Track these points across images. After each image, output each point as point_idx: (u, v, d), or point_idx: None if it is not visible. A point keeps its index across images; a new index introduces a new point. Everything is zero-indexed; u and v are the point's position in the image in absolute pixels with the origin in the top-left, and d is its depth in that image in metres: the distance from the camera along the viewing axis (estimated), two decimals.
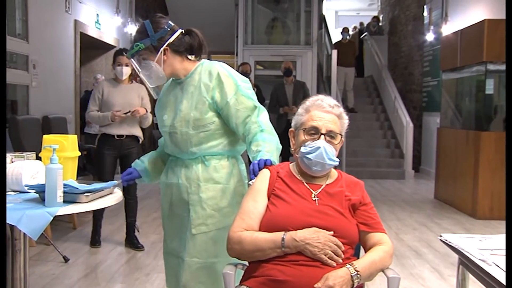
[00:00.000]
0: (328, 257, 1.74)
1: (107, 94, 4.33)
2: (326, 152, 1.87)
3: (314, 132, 1.92)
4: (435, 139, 7.68)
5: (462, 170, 6.38)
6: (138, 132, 4.44)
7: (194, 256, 2.18)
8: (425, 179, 9.13)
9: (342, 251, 1.77)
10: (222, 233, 2.12)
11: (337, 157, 1.91)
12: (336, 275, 1.69)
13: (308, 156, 1.88)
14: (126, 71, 4.35)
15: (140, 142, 4.50)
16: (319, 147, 1.87)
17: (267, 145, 2.06)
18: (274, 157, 2.05)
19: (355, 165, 8.87)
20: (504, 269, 1.51)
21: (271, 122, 2.20)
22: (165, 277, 2.44)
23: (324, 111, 1.94)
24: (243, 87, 2.19)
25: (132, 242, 4.48)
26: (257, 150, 2.05)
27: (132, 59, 2.25)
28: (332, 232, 1.78)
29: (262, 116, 2.17)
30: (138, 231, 4.77)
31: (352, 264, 1.74)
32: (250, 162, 2.06)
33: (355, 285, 1.72)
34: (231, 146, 2.27)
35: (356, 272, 1.72)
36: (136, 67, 2.25)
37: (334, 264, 1.74)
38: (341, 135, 1.95)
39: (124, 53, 4.26)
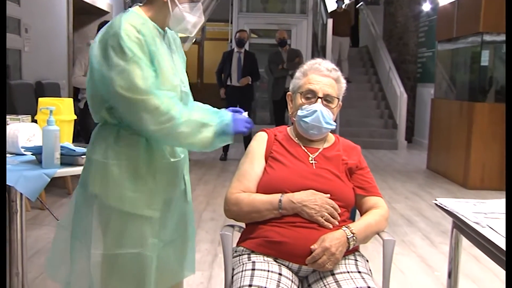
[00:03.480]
0: (324, 219, 1.76)
1: None
2: (322, 115, 1.87)
3: (311, 95, 1.91)
4: (429, 110, 7.70)
5: (455, 141, 6.42)
6: None
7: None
8: (418, 149, 9.18)
9: (338, 213, 1.79)
10: None
11: (334, 121, 1.92)
12: (333, 237, 1.71)
13: (305, 119, 1.88)
14: None
15: None
16: (315, 111, 1.87)
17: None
18: None
19: (348, 135, 8.81)
20: (499, 232, 1.54)
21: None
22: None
23: (321, 75, 1.93)
24: None
25: None
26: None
27: None
28: (328, 195, 1.80)
29: None
30: None
31: (348, 226, 1.76)
32: None
33: (351, 247, 1.75)
34: None
35: (352, 235, 1.74)
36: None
37: (331, 226, 1.76)
38: (338, 99, 1.95)
39: None
